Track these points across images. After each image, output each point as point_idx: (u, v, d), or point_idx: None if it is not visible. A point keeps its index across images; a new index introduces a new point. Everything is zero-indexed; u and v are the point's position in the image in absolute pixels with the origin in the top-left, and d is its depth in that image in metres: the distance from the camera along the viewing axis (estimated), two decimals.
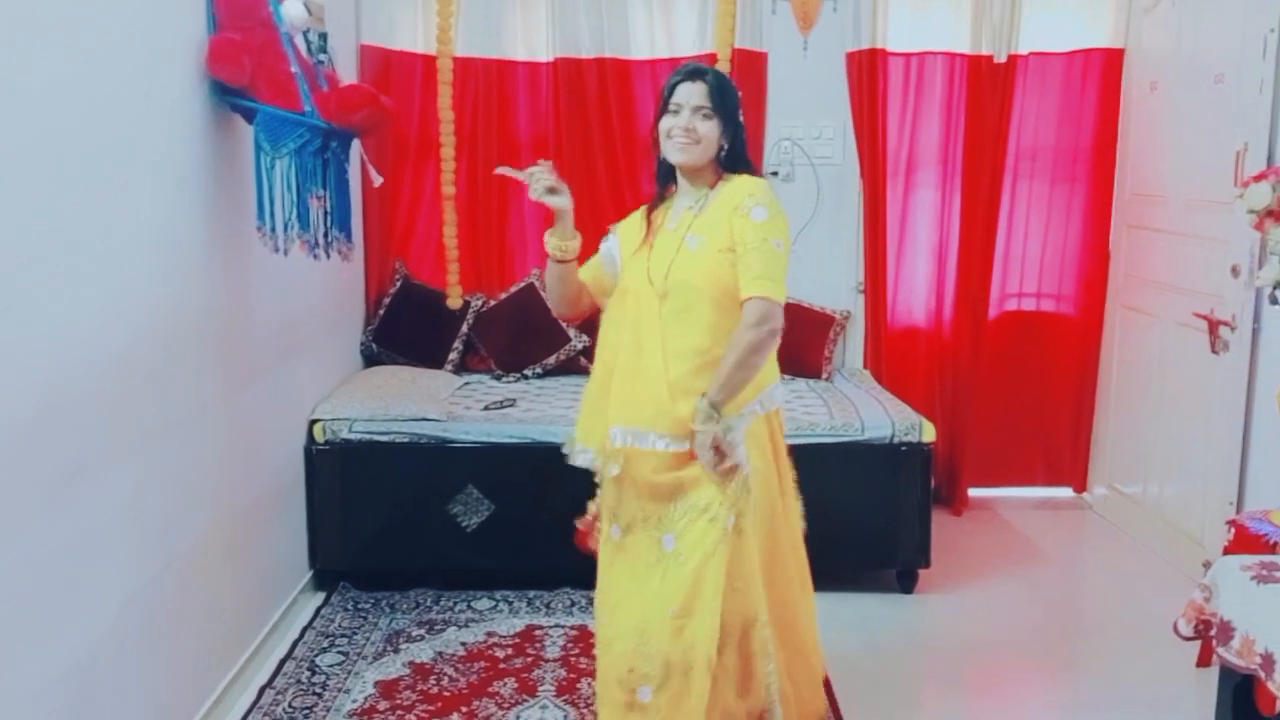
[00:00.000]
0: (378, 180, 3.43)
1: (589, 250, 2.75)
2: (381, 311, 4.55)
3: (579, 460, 2.68)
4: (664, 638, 2.47)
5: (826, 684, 3.16)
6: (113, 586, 2.39)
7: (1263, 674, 2.37)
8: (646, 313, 2.54)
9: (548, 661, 3.31)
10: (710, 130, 2.53)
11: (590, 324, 4.53)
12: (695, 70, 2.58)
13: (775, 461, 2.65)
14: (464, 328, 4.57)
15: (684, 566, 2.48)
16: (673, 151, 2.55)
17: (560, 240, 2.61)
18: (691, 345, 2.48)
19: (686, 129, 2.52)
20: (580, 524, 2.81)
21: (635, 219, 2.71)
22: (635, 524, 2.58)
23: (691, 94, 2.53)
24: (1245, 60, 3.70)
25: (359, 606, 3.70)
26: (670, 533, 2.52)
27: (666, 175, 2.66)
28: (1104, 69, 4.64)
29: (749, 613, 2.53)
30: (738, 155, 2.59)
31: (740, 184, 2.55)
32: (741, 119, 2.61)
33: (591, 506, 2.78)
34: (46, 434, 2.10)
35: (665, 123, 2.56)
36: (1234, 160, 3.70)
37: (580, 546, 2.83)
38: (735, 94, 2.59)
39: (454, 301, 4.58)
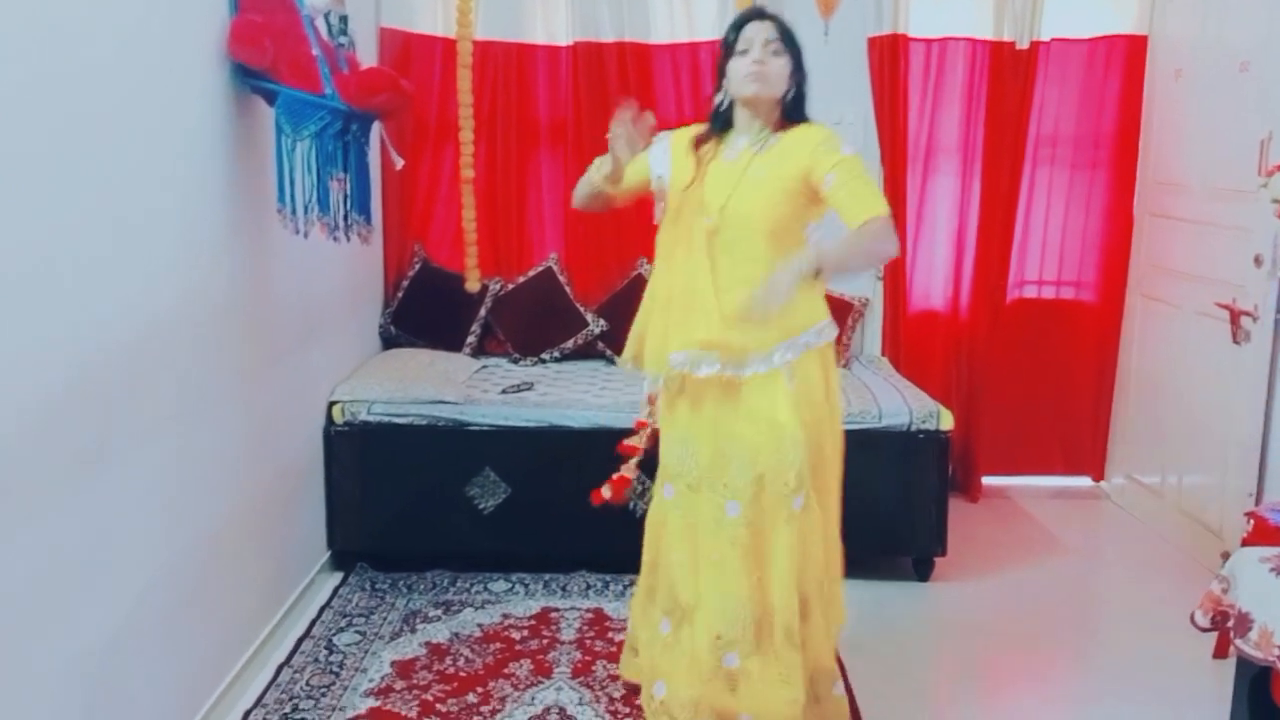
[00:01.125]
0: (399, 163, 3.43)
1: None
2: (400, 294, 4.57)
3: (648, 385, 2.85)
4: (747, 605, 2.58)
5: (844, 675, 3.18)
6: (135, 567, 2.41)
7: None
8: (698, 242, 2.59)
9: (563, 644, 3.33)
10: (780, 67, 2.56)
11: (607, 309, 4.55)
12: (761, 10, 2.61)
13: (826, 400, 2.69)
14: (482, 311, 4.58)
15: (756, 538, 2.58)
16: (745, 84, 2.55)
17: (599, 169, 2.67)
18: (744, 275, 2.52)
19: (758, 61, 2.53)
20: (623, 472, 2.95)
21: (682, 140, 2.71)
22: (700, 483, 2.64)
23: (760, 30, 2.56)
24: (1271, 47, 3.66)
25: (376, 587, 3.73)
26: (736, 500, 2.59)
27: (724, 123, 2.66)
28: (1127, 56, 4.60)
29: (820, 575, 2.67)
30: (801, 104, 2.62)
31: (813, 129, 2.59)
32: (805, 68, 2.63)
33: (626, 469, 2.94)
34: (68, 417, 2.12)
35: (734, 64, 2.57)
36: (1258, 149, 3.67)
37: (611, 497, 2.98)
38: (798, 41, 2.61)
39: (472, 285, 4.59)
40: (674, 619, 2.72)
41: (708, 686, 2.63)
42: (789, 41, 2.58)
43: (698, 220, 2.60)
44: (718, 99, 2.66)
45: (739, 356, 2.56)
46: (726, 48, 2.61)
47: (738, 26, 2.60)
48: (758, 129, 2.61)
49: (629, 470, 2.97)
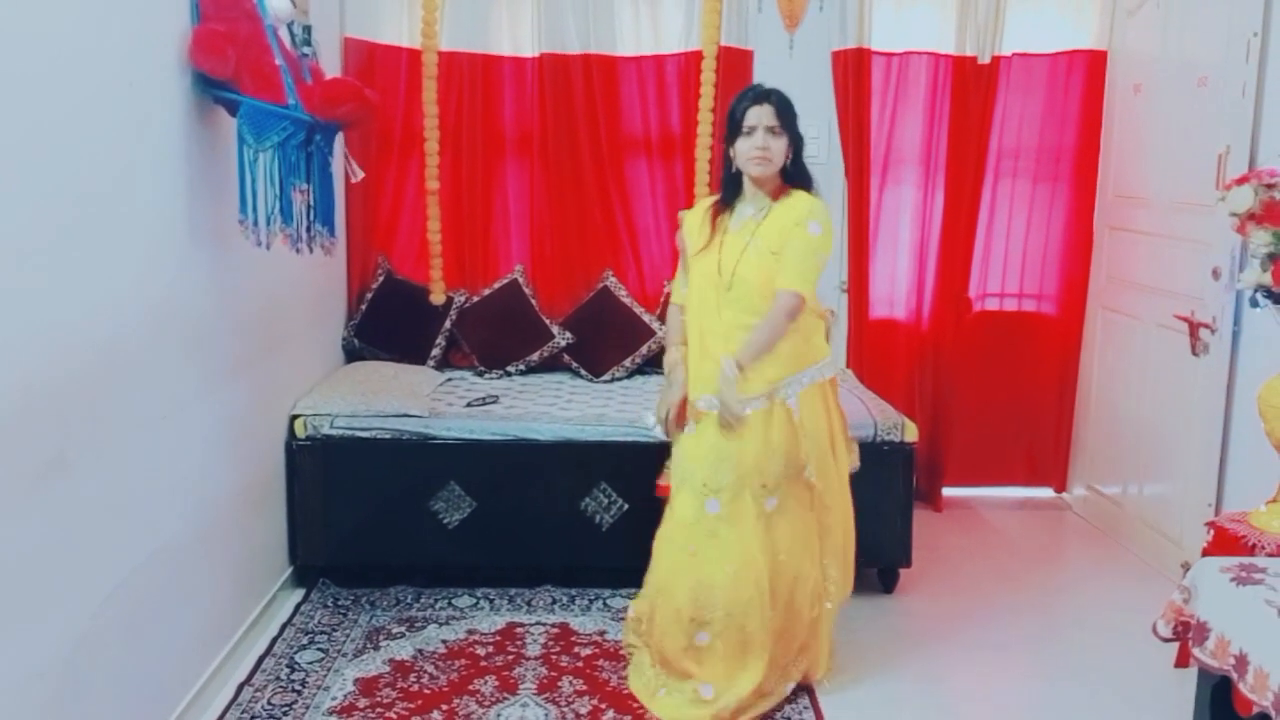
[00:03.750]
0: (358, 175, 3.41)
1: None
2: (364, 306, 4.53)
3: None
4: (720, 594, 2.98)
5: (809, 687, 3.18)
6: (91, 581, 2.37)
7: (1235, 675, 2.39)
8: (710, 301, 3.01)
9: (529, 659, 3.30)
10: (780, 146, 2.97)
11: (573, 322, 4.54)
12: (762, 93, 2.99)
13: (829, 424, 3.09)
14: (447, 324, 4.55)
15: (733, 530, 2.97)
16: (751, 168, 2.98)
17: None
18: (747, 325, 2.96)
19: (761, 148, 2.94)
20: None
21: (698, 215, 3.15)
22: (682, 485, 3.06)
23: (762, 115, 2.95)
24: (1228, 63, 3.72)
25: (339, 603, 3.68)
26: (717, 499, 2.98)
27: (736, 188, 3.06)
28: (1088, 71, 4.66)
29: (797, 573, 3.05)
30: (798, 166, 3.03)
31: (800, 201, 3.00)
32: (800, 131, 3.03)
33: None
34: (25, 427, 2.08)
35: (740, 144, 2.98)
36: (1216, 163, 3.72)
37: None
38: (794, 110, 3.01)
39: (437, 297, 4.56)
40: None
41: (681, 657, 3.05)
42: (786, 119, 2.97)
43: (709, 281, 3.02)
44: (727, 166, 3.07)
45: (741, 396, 2.94)
46: (734, 125, 2.98)
47: (743, 104, 2.98)
48: (761, 198, 3.03)
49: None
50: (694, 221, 3.15)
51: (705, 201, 3.21)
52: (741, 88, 4.51)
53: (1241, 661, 2.36)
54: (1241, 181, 3.01)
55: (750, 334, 2.93)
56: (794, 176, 3.03)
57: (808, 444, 3.01)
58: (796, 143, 3.01)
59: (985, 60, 4.56)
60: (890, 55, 4.64)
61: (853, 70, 4.52)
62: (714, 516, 2.98)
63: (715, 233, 3.06)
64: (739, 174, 3.03)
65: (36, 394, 2.11)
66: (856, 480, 3.79)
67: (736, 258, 2.97)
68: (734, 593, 2.97)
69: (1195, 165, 3.87)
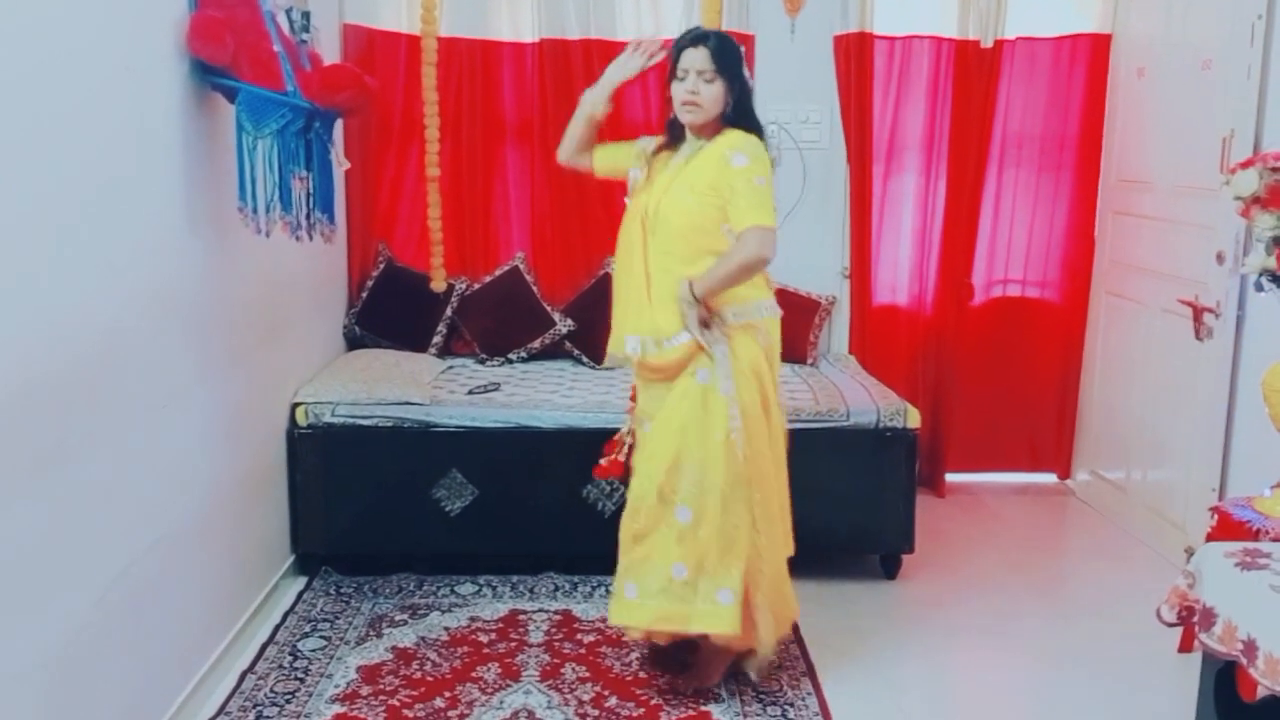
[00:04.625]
0: (343, 165, 3.40)
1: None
2: (365, 294, 4.52)
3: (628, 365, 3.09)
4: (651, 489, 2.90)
5: (812, 673, 3.18)
6: (93, 570, 2.36)
7: (1244, 660, 2.38)
8: (636, 242, 2.91)
9: (531, 646, 3.30)
10: (712, 92, 2.82)
11: (575, 309, 4.53)
12: (699, 35, 2.87)
13: (764, 375, 2.94)
14: (448, 311, 4.54)
15: (669, 425, 2.89)
16: (682, 114, 2.86)
17: (594, 100, 3.05)
18: (670, 268, 2.85)
19: (691, 92, 2.81)
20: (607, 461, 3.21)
21: (654, 147, 3.04)
22: (651, 414, 2.99)
23: (695, 59, 2.82)
24: (1233, 46, 3.69)
25: (341, 591, 3.68)
26: (652, 419, 2.97)
27: (677, 132, 2.95)
28: (1091, 55, 4.63)
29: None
30: (743, 111, 2.87)
31: (727, 138, 2.85)
32: (747, 75, 2.89)
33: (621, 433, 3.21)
34: (25, 416, 2.07)
35: (675, 88, 2.86)
36: (1220, 146, 3.70)
37: (604, 473, 3.24)
38: (737, 53, 2.87)
39: (438, 285, 4.55)
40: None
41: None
42: (723, 64, 2.82)
43: (635, 223, 2.93)
44: (672, 114, 2.94)
45: (661, 335, 2.87)
46: (671, 68, 2.87)
47: (680, 49, 2.86)
48: (698, 142, 2.91)
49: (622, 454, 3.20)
50: (650, 152, 3.05)
51: (654, 141, 3.09)
52: None
53: (1250, 647, 2.36)
54: (1246, 165, 2.99)
55: (715, 263, 2.80)
56: (734, 122, 2.87)
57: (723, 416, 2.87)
58: (739, 89, 2.85)
59: (988, 44, 4.53)
60: (893, 39, 4.61)
61: (855, 55, 4.50)
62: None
63: (650, 175, 2.97)
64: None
65: (36, 383, 2.10)
66: (859, 466, 3.81)
67: (658, 198, 2.88)
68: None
69: (1199, 149, 3.85)
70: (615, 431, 3.24)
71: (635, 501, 2.96)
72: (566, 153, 3.17)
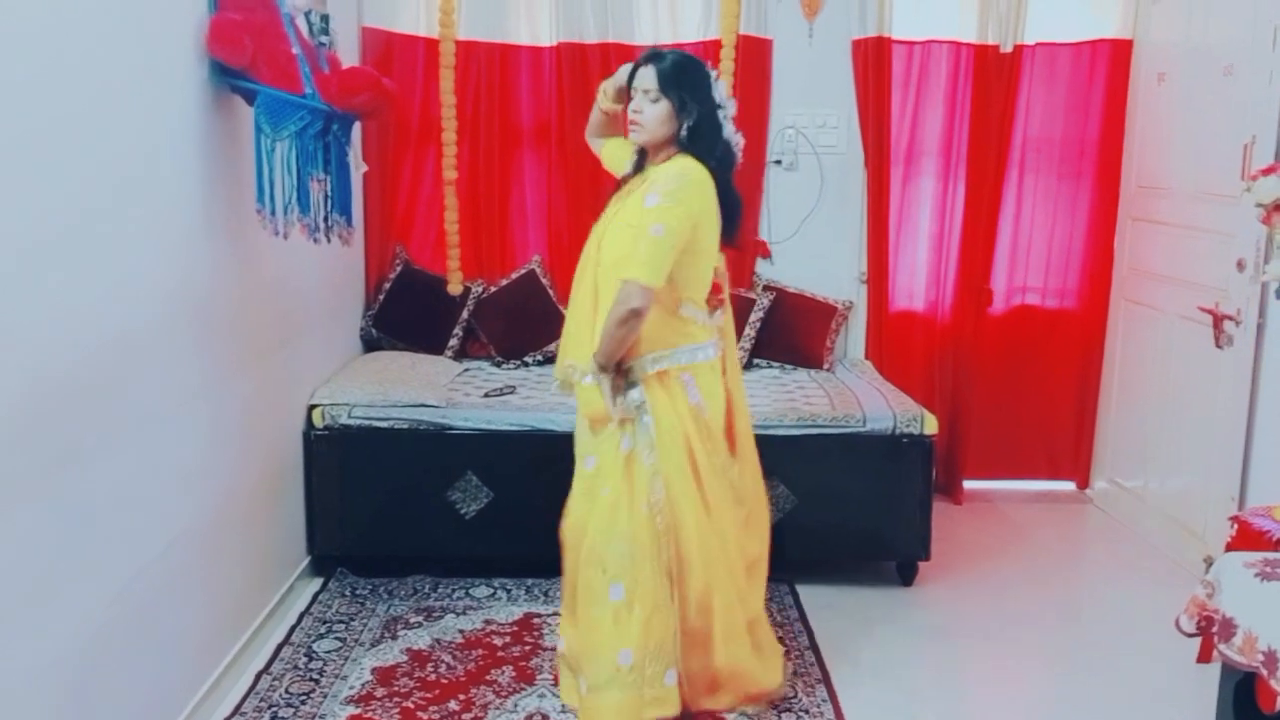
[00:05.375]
0: (361, 168, 3.41)
1: None
2: (382, 297, 4.53)
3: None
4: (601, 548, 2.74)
5: (827, 680, 3.16)
6: (109, 571, 2.37)
7: (1265, 672, 2.36)
8: (589, 268, 2.78)
9: (546, 650, 3.30)
10: (656, 112, 2.68)
11: None
12: (651, 55, 2.73)
13: (691, 437, 2.73)
14: (464, 314, 4.55)
15: (604, 487, 2.75)
16: (630, 134, 2.75)
17: (602, 92, 3.01)
18: (603, 308, 2.69)
19: (635, 111, 2.70)
20: None
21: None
22: (588, 451, 2.86)
23: (643, 78, 2.70)
24: (1254, 52, 3.67)
25: (357, 593, 3.69)
26: (593, 455, 2.81)
27: (643, 156, 2.83)
28: (1112, 60, 4.60)
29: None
30: (701, 135, 2.69)
31: (664, 169, 2.69)
32: (715, 97, 2.72)
33: None
34: (43, 417, 2.08)
35: (628, 107, 2.74)
36: (1242, 153, 3.67)
37: None
38: (697, 74, 2.71)
39: (454, 287, 4.56)
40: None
41: None
42: (671, 84, 2.66)
43: (593, 245, 2.81)
44: None
45: (581, 368, 2.74)
46: (627, 90, 2.76)
47: (635, 68, 2.74)
48: (650, 167, 2.76)
49: None
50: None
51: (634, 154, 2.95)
52: (761, 77, 4.56)
53: (1271, 658, 2.34)
54: (1268, 172, 2.97)
55: (603, 334, 2.63)
56: (687, 148, 2.69)
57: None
58: (695, 111, 2.66)
59: (1008, 49, 4.52)
60: (911, 44, 4.60)
61: (873, 59, 4.49)
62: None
63: (609, 203, 2.85)
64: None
65: (52, 385, 2.11)
66: (876, 472, 3.80)
67: (603, 231, 2.77)
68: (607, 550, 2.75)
69: (1220, 155, 3.83)
70: None
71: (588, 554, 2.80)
72: (589, 133, 3.17)
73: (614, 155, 3.06)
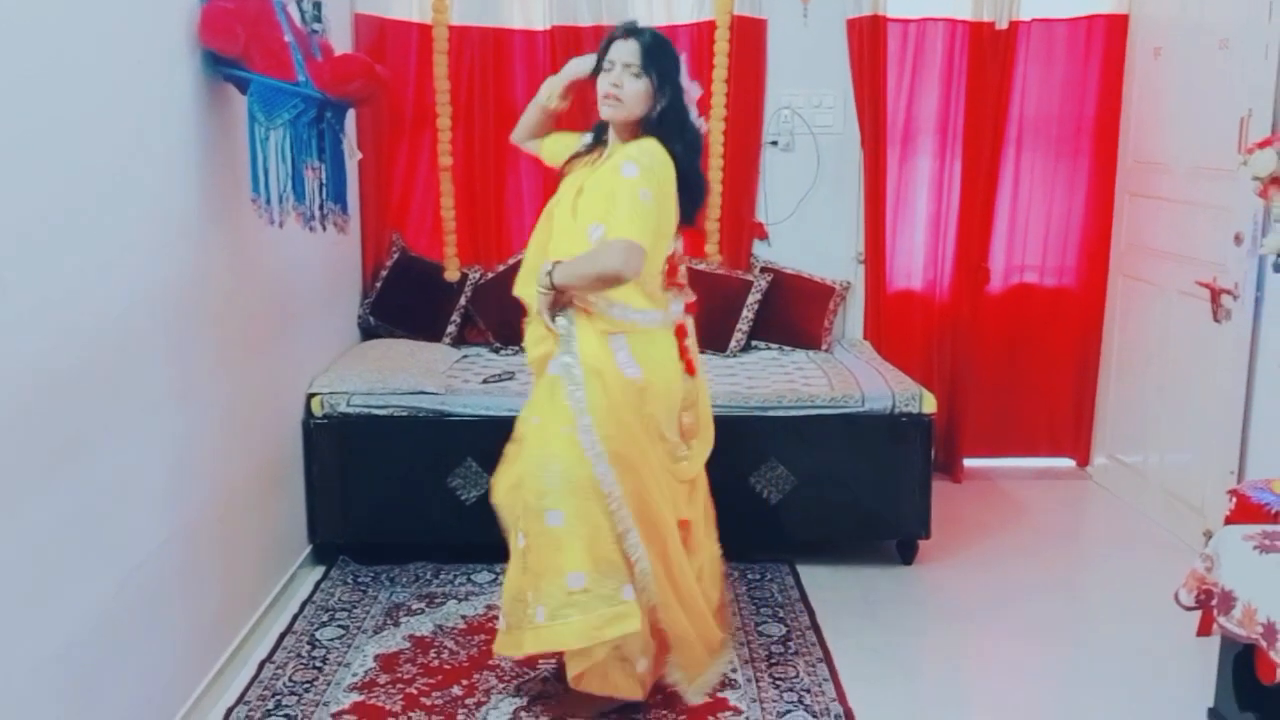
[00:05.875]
0: (355, 156, 3.40)
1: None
2: (379, 284, 4.53)
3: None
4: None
5: (829, 659, 3.17)
6: (111, 562, 2.38)
7: (1264, 644, 2.37)
8: (542, 250, 2.77)
9: None
10: (636, 89, 2.65)
11: None
12: (632, 29, 2.70)
13: (632, 398, 2.72)
14: (462, 300, 4.55)
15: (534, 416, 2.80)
16: (602, 108, 2.69)
17: (549, 92, 2.94)
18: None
19: (614, 85, 2.65)
20: None
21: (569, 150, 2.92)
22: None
23: (623, 51, 2.65)
24: (1250, 25, 3.65)
25: (358, 580, 3.70)
26: (537, 415, 2.80)
27: (600, 130, 2.82)
28: (1107, 35, 4.58)
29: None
30: (669, 119, 2.68)
31: (632, 146, 2.66)
32: (682, 82, 2.71)
33: None
34: (41, 409, 2.08)
35: (599, 80, 2.70)
36: (1238, 126, 3.66)
37: None
38: (674, 57, 2.71)
39: (451, 274, 4.55)
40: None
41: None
42: (652, 62, 2.64)
43: (543, 229, 2.82)
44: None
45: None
46: (599, 57, 2.71)
47: (610, 40, 2.70)
48: (616, 145, 2.73)
49: None
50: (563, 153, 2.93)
51: (582, 138, 2.94)
52: (755, 58, 4.54)
53: (1270, 630, 2.35)
54: (1264, 145, 2.97)
55: (578, 257, 2.62)
56: (653, 131, 2.68)
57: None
58: (669, 94, 2.66)
59: (1003, 26, 4.50)
60: (906, 22, 4.58)
61: (868, 38, 4.48)
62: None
63: (563, 176, 2.85)
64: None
65: (51, 377, 2.11)
66: (875, 452, 3.80)
67: (568, 201, 2.76)
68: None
69: (1217, 129, 3.82)
70: None
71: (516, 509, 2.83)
72: (518, 136, 3.12)
73: (556, 150, 3.03)
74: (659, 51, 2.66)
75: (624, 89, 2.64)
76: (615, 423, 2.68)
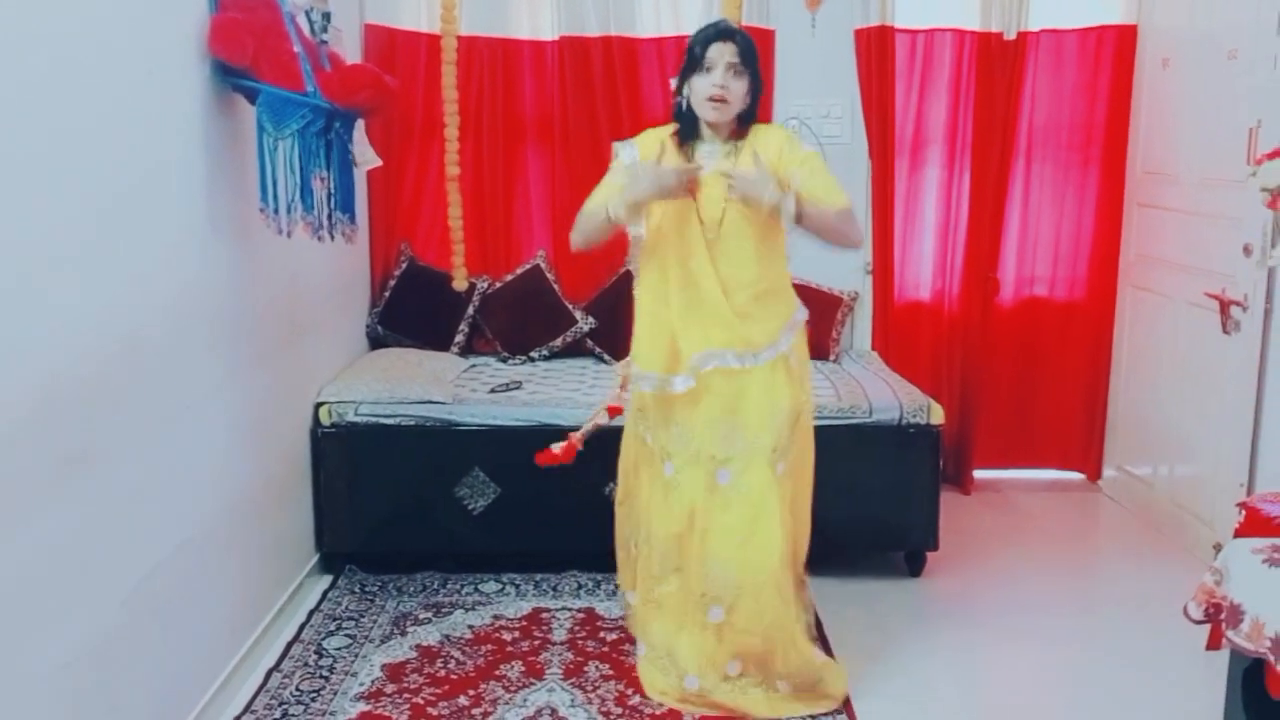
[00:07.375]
0: (373, 163, 3.42)
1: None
2: (387, 294, 4.53)
3: (644, 385, 2.92)
4: (732, 564, 2.81)
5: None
6: (119, 571, 2.38)
7: (1272, 658, 2.35)
8: (695, 252, 2.82)
9: (555, 644, 3.31)
10: (740, 88, 2.77)
11: (596, 306, 4.53)
12: (726, 29, 2.80)
13: (804, 373, 2.99)
14: (470, 310, 4.55)
15: (746, 499, 2.81)
16: (707, 110, 2.77)
17: (617, 214, 2.77)
18: (746, 277, 2.83)
19: (720, 87, 2.73)
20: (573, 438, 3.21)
21: (653, 148, 2.85)
22: (692, 461, 2.86)
23: (724, 52, 2.74)
24: (1259, 36, 3.65)
25: (366, 589, 3.70)
26: (727, 469, 2.83)
27: (691, 128, 2.86)
28: (1117, 46, 4.58)
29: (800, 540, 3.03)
30: (754, 110, 2.84)
31: (773, 130, 2.90)
32: (760, 77, 2.84)
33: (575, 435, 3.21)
34: (52, 419, 2.09)
35: (698, 81, 2.76)
36: (1247, 137, 3.65)
37: (561, 456, 3.21)
38: (756, 52, 2.82)
39: (459, 283, 4.55)
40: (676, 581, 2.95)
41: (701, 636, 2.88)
42: (749, 60, 2.77)
43: (690, 230, 2.82)
44: (678, 101, 2.84)
45: (754, 349, 2.83)
46: (692, 60, 2.77)
47: (706, 41, 2.76)
48: (721, 139, 2.84)
49: (579, 437, 3.22)
50: (650, 154, 2.84)
51: (656, 134, 2.92)
52: (764, 68, 4.49)
53: (1278, 644, 2.33)
54: (1273, 156, 2.96)
55: (823, 209, 2.72)
56: (748, 119, 2.84)
57: (802, 393, 2.96)
58: (757, 89, 2.81)
59: (1011, 36, 4.50)
60: (915, 33, 4.59)
61: (876, 48, 4.48)
62: (726, 488, 2.84)
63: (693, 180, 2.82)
64: (692, 113, 2.82)
65: (61, 387, 2.12)
66: (883, 463, 3.79)
67: (722, 206, 2.78)
68: (746, 569, 2.82)
69: (1225, 140, 3.81)
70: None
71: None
72: (583, 242, 2.95)
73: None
74: (753, 50, 2.79)
75: (731, 89, 2.75)
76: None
